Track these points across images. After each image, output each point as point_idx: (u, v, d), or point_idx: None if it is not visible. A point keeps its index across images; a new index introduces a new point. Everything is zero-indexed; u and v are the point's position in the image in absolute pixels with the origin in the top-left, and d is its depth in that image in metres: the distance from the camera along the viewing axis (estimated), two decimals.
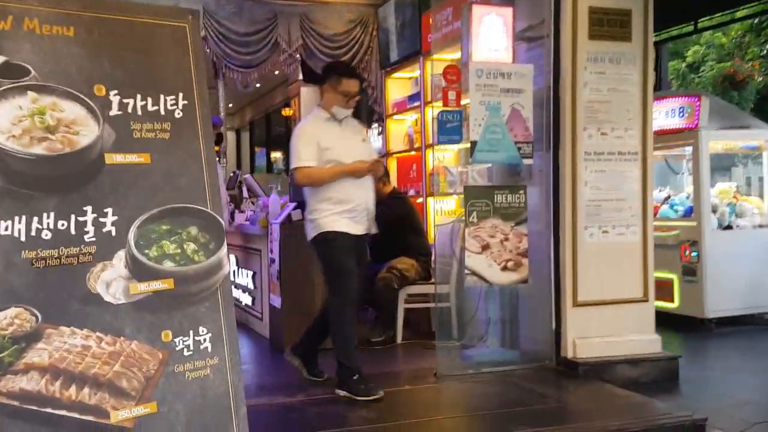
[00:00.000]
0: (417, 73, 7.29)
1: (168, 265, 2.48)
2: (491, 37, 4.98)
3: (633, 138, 4.98)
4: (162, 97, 2.54)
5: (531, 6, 5.14)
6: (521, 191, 4.90)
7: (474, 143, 4.78)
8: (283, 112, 12.10)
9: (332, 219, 4.27)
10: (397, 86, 7.73)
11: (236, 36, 7.46)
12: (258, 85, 12.95)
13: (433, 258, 6.05)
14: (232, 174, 8.60)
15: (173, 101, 2.56)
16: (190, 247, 2.53)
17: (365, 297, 5.92)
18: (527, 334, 5.18)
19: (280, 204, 6.02)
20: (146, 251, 2.44)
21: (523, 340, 5.21)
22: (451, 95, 4.90)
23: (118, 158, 2.42)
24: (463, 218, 4.82)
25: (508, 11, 5.02)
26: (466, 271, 4.81)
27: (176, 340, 2.48)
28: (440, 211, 6.47)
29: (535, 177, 5.09)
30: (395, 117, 7.68)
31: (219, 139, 6.62)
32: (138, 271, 2.42)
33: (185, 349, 2.49)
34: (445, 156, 6.41)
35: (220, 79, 10.30)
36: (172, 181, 2.54)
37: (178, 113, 2.58)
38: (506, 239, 4.87)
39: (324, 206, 4.30)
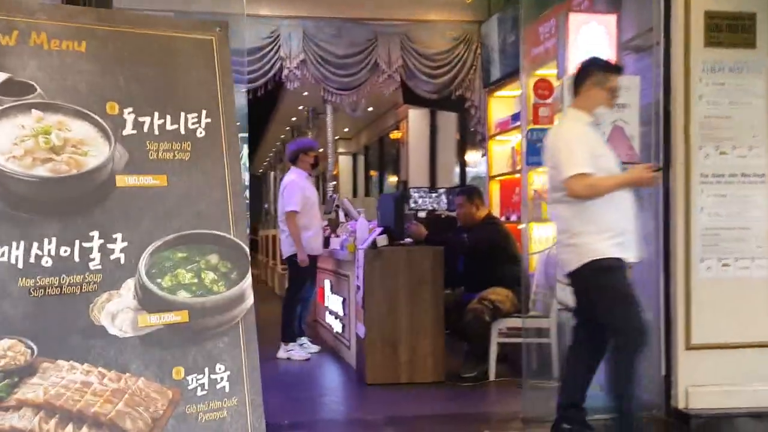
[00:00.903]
0: (521, 91, 6.89)
1: (183, 295, 2.27)
2: (591, 47, 4.53)
3: (759, 158, 4.33)
4: (182, 115, 2.36)
5: (639, 12, 4.64)
6: None
7: None
8: (391, 135, 11.96)
9: (607, 243, 3.60)
10: (500, 105, 7.36)
11: (335, 58, 7.37)
12: (370, 108, 12.95)
13: (533, 289, 5.60)
14: (329, 198, 8.49)
15: (195, 119, 2.37)
16: (209, 276, 2.32)
17: (457, 328, 5.61)
18: None
19: (368, 228, 5.79)
20: (159, 280, 2.24)
21: None
22: (543, 112, 4.52)
23: (131, 180, 2.25)
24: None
25: (611, 19, 4.57)
26: (559, 306, 4.37)
27: (189, 378, 2.26)
28: (542, 240, 6.03)
29: (642, 202, 4.54)
30: (498, 138, 7.30)
31: (316, 163, 6.50)
32: (148, 301, 2.23)
33: (199, 388, 2.27)
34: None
35: (329, 104, 10.31)
36: (191, 205, 2.34)
37: (201, 132, 2.38)
38: None
39: (594, 227, 3.61)
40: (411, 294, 5.28)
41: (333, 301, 6.82)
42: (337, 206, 7.68)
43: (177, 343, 2.25)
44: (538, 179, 6.09)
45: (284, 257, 6.38)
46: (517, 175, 7.04)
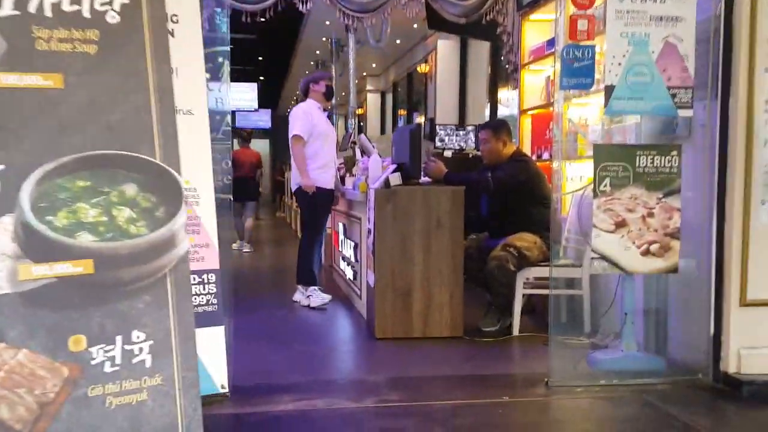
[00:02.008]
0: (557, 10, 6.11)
1: (85, 239, 1.70)
2: None
3: None
4: None
5: None
6: (674, 152, 3.75)
7: (610, 88, 3.69)
8: (418, 69, 11.17)
9: None
10: (535, 30, 6.57)
11: None
12: (398, 41, 12.15)
13: (564, 235, 5.00)
14: (345, 133, 7.86)
15: None
16: (124, 213, 1.73)
17: (478, 277, 5.03)
18: (677, 338, 4.04)
19: (382, 166, 5.17)
20: (49, 218, 1.66)
21: (671, 346, 4.08)
22: (581, 25, 3.80)
23: (10, 80, 1.64)
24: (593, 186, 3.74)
25: None
26: (593, 255, 3.75)
27: (93, 349, 1.70)
28: (578, 179, 5.37)
29: (695, 134, 3.90)
30: (531, 67, 6.55)
31: (328, 92, 5.86)
32: (34, 246, 1.65)
33: (107, 363, 1.71)
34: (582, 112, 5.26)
35: (351, 34, 9.57)
36: (99, 115, 1.74)
37: (113, 17, 1.76)
38: (650, 215, 3.76)
39: None
40: (427, 239, 4.70)
41: (345, 246, 6.28)
42: (354, 143, 7.06)
43: (76, 303, 1.68)
44: (575, 111, 5.42)
45: (293, 191, 5.83)
46: (552, 109, 6.32)
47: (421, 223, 4.69)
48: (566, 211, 5.19)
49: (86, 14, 1.72)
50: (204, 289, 2.62)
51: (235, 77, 20.21)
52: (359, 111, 17.49)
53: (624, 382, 3.75)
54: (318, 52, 13.41)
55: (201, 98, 2.69)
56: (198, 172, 2.62)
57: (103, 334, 1.71)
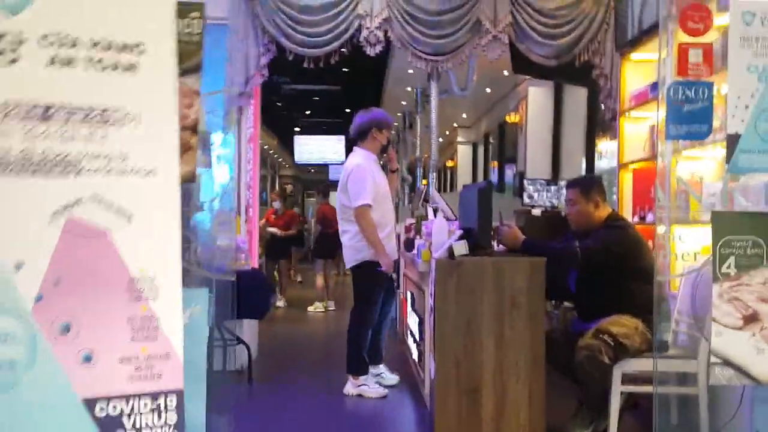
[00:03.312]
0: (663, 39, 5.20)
1: None
2: None
3: None
4: None
5: None
6: None
7: (735, 138, 2.78)
8: (507, 119, 10.35)
9: None
10: (637, 72, 5.66)
11: (426, 16, 5.96)
12: (488, 90, 11.42)
13: (673, 316, 4.04)
14: (417, 189, 7.11)
15: None
16: None
17: (566, 368, 4.12)
18: None
19: (448, 230, 4.38)
20: None
21: None
22: (694, 56, 2.95)
23: None
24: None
25: None
26: (714, 359, 2.80)
27: None
28: (688, 251, 4.39)
29: None
30: (632, 114, 5.62)
31: (388, 146, 5.14)
32: None
33: None
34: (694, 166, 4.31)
35: (434, 81, 8.88)
36: None
37: None
38: None
39: None
40: (499, 323, 3.89)
41: (411, 320, 5.48)
42: (426, 200, 6.29)
43: None
44: (684, 165, 4.46)
45: (348, 266, 5.01)
46: (659, 161, 5.36)
47: (492, 303, 3.86)
48: (676, 287, 4.23)
49: None
50: (159, 419, 1.89)
51: (323, 130, 20.00)
52: (450, 163, 16.76)
53: None
54: (404, 102, 12.86)
55: (169, 155, 1.99)
56: (159, 254, 1.93)
57: None
